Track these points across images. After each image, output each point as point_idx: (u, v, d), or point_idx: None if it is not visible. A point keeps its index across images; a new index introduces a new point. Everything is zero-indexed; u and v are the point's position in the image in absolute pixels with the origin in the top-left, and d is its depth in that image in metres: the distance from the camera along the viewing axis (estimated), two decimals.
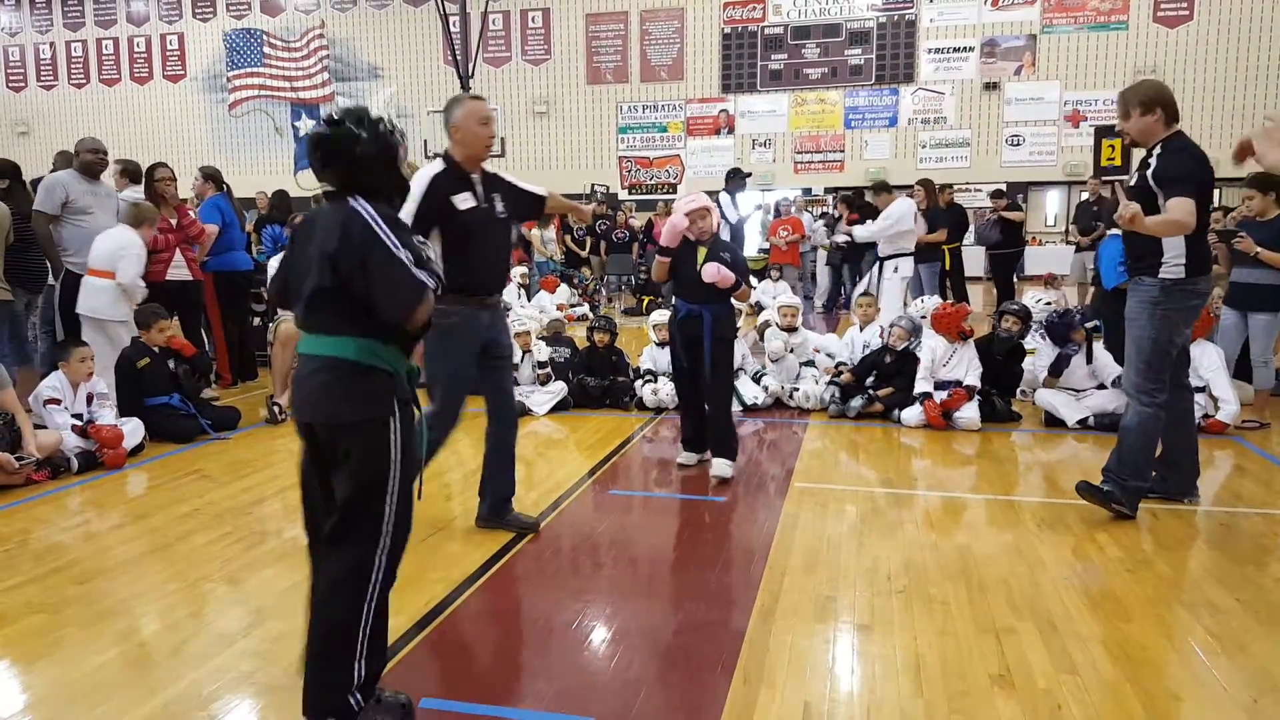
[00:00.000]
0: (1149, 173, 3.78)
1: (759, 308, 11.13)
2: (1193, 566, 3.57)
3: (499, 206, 3.80)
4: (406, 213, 3.55)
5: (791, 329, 7.03)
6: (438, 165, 3.73)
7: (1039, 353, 6.39)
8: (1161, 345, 3.88)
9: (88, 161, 6.05)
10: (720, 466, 4.77)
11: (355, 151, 2.33)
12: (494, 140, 3.81)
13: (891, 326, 6.46)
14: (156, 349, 5.88)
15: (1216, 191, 6.59)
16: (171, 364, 5.94)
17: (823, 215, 13.53)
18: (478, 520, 4.04)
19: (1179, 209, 3.64)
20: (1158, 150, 3.82)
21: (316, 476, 2.43)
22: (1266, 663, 2.79)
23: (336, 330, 2.32)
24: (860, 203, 13.14)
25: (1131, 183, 3.91)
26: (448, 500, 4.55)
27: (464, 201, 3.65)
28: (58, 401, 5.23)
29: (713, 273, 4.57)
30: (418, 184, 3.61)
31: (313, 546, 2.46)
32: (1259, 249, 5.63)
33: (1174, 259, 3.81)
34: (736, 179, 10.03)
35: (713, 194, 14.77)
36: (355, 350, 2.31)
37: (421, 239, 2.43)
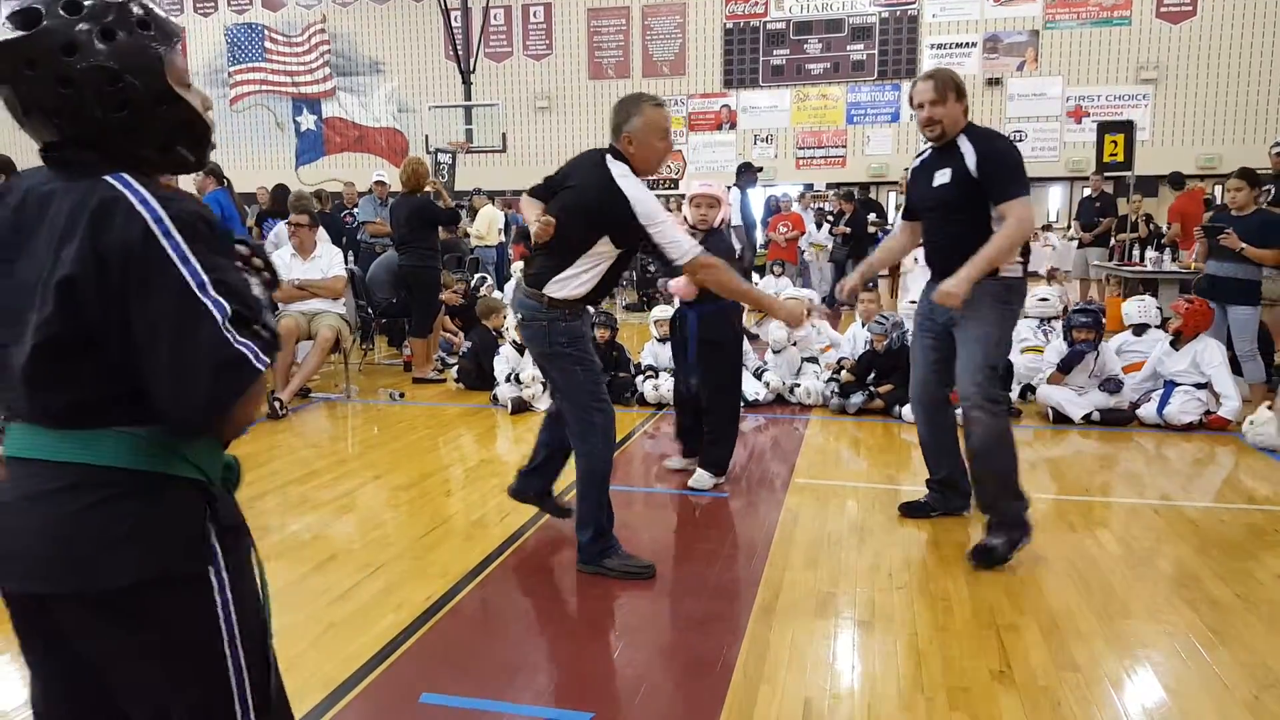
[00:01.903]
0: (971, 164, 3.38)
1: None
2: (1193, 563, 3.57)
3: None
4: (672, 218, 3.30)
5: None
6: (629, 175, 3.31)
7: (1048, 349, 6.38)
8: (1004, 347, 3.62)
9: None
10: (698, 477, 4.52)
11: (62, 76, 1.21)
12: (669, 154, 3.52)
13: (869, 329, 6.48)
14: None
15: (1218, 188, 6.58)
16: None
17: (818, 211, 13.49)
18: (515, 494, 3.93)
19: (1023, 210, 3.34)
20: (965, 139, 3.43)
21: (64, 693, 1.39)
22: (1267, 658, 2.79)
23: (85, 418, 1.24)
24: (863, 198, 13.14)
25: (941, 182, 3.48)
26: (448, 496, 4.56)
27: None
28: None
29: (676, 286, 4.35)
30: (646, 189, 3.32)
31: None
32: (1244, 245, 5.64)
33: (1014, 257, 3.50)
34: (747, 173, 9.99)
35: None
36: (127, 450, 1.25)
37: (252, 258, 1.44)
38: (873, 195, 16.34)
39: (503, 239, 13.79)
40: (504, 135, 17.18)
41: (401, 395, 7.00)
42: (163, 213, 1.20)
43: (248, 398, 1.23)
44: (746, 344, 6.98)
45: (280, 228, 8.17)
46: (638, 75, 19.05)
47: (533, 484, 3.92)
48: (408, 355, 8.02)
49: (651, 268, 13.20)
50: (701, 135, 18.99)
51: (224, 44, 20.63)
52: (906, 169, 3.84)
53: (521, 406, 6.38)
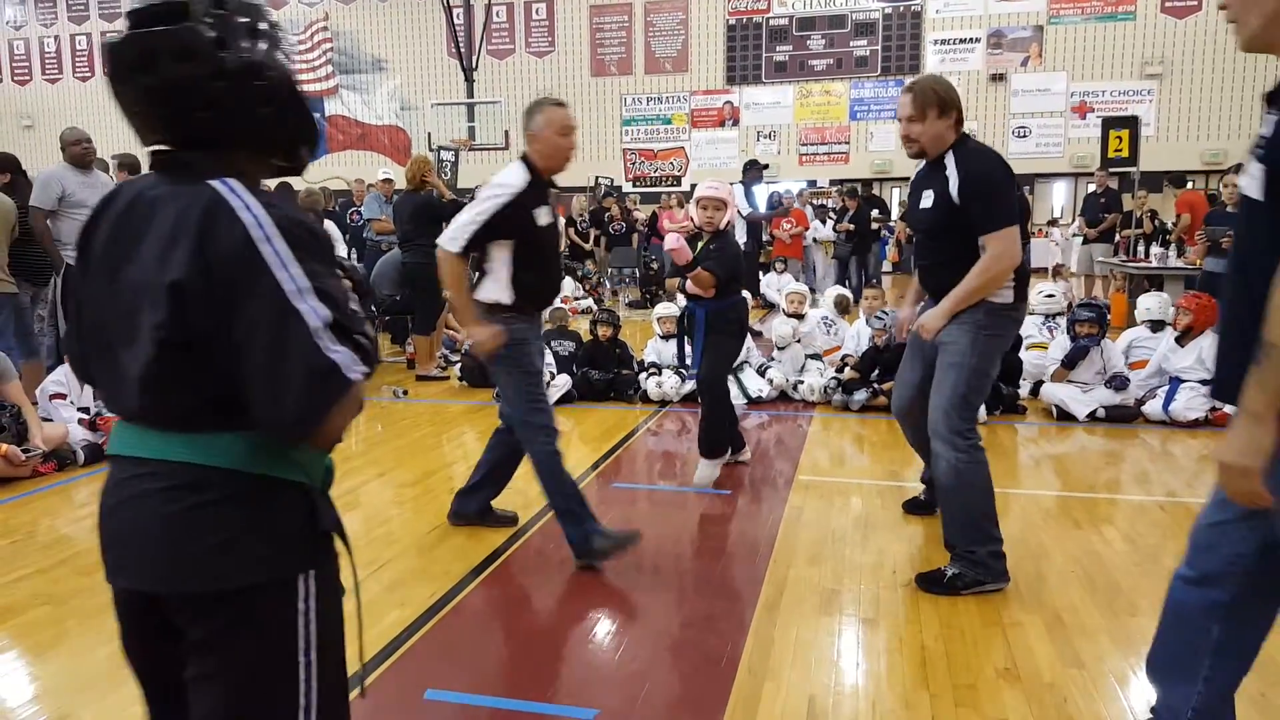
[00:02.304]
0: (953, 189, 3.11)
1: (765, 302, 11.13)
2: None
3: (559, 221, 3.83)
4: (470, 219, 3.36)
5: (799, 316, 7.03)
6: (524, 172, 3.47)
7: (1052, 345, 6.37)
8: (982, 376, 3.22)
9: (76, 154, 5.95)
10: (700, 470, 4.50)
11: (213, 65, 1.21)
12: (572, 153, 3.61)
13: (870, 325, 6.48)
14: None
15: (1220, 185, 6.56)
16: None
17: (820, 208, 13.48)
18: (454, 518, 3.99)
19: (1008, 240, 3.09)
20: (952, 159, 3.16)
21: (159, 674, 1.38)
22: (1274, 655, 2.78)
23: (197, 420, 1.25)
24: (865, 194, 13.12)
25: (926, 204, 3.25)
26: (452, 493, 4.55)
27: (544, 217, 3.47)
28: (63, 396, 5.24)
29: (671, 241, 4.32)
30: (503, 188, 3.38)
31: None
32: None
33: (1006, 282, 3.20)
34: (753, 170, 9.97)
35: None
36: (237, 452, 1.25)
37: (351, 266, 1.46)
38: (876, 192, 16.31)
39: None
40: (506, 133, 17.18)
41: (405, 392, 7.01)
42: (265, 218, 1.19)
43: (340, 408, 1.21)
44: (750, 341, 6.99)
45: None
46: (640, 72, 19.04)
47: (469, 503, 3.97)
48: (411, 352, 8.03)
49: (654, 265, 13.21)
50: (704, 132, 18.97)
51: None
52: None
53: None
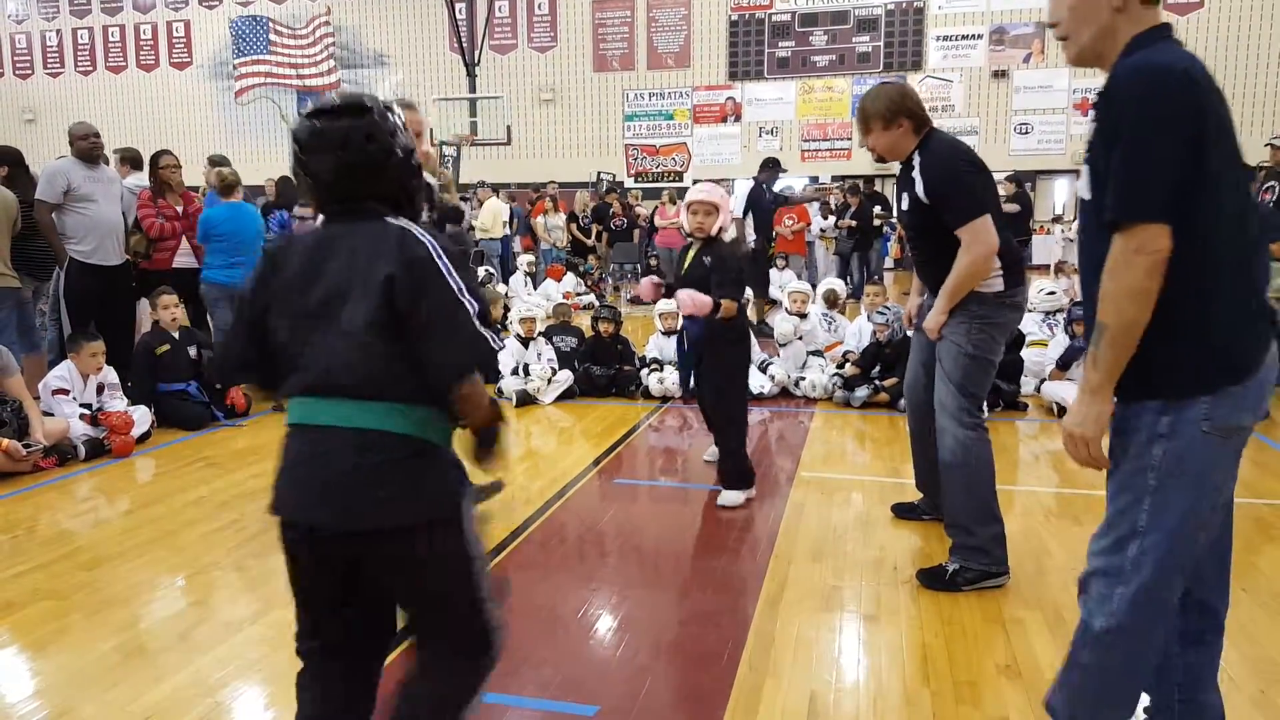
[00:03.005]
0: (919, 190, 3.18)
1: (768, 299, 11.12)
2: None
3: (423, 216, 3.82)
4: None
5: (802, 314, 7.02)
6: None
7: (1051, 344, 6.36)
8: (979, 364, 3.24)
9: (84, 148, 5.96)
10: (726, 496, 4.25)
11: (387, 146, 1.75)
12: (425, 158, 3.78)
13: (871, 321, 6.47)
14: (176, 334, 5.89)
15: None
16: (194, 351, 5.94)
17: (823, 205, 13.46)
18: None
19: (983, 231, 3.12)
20: (917, 159, 3.22)
21: (325, 595, 1.85)
22: (1273, 652, 2.78)
23: (387, 392, 1.69)
24: (868, 190, 13.10)
25: (905, 206, 3.32)
26: None
27: None
28: (66, 392, 5.25)
29: (684, 300, 3.99)
30: None
31: (324, 663, 1.93)
32: None
33: (991, 270, 3.20)
34: (771, 169, 9.90)
35: (721, 182, 14.72)
36: (413, 422, 1.71)
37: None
38: (878, 188, 16.29)
39: (507, 231, 13.78)
40: (509, 128, 17.16)
41: None
42: (435, 244, 1.72)
43: (483, 368, 1.77)
44: (753, 338, 6.98)
45: (290, 219, 8.18)
46: (642, 67, 19.00)
47: None
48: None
49: (653, 261, 13.20)
50: (706, 128, 18.94)
51: (228, 36, 20.62)
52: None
53: (526, 400, 6.38)
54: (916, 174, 3.20)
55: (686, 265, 4.21)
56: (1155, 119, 1.61)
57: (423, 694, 1.83)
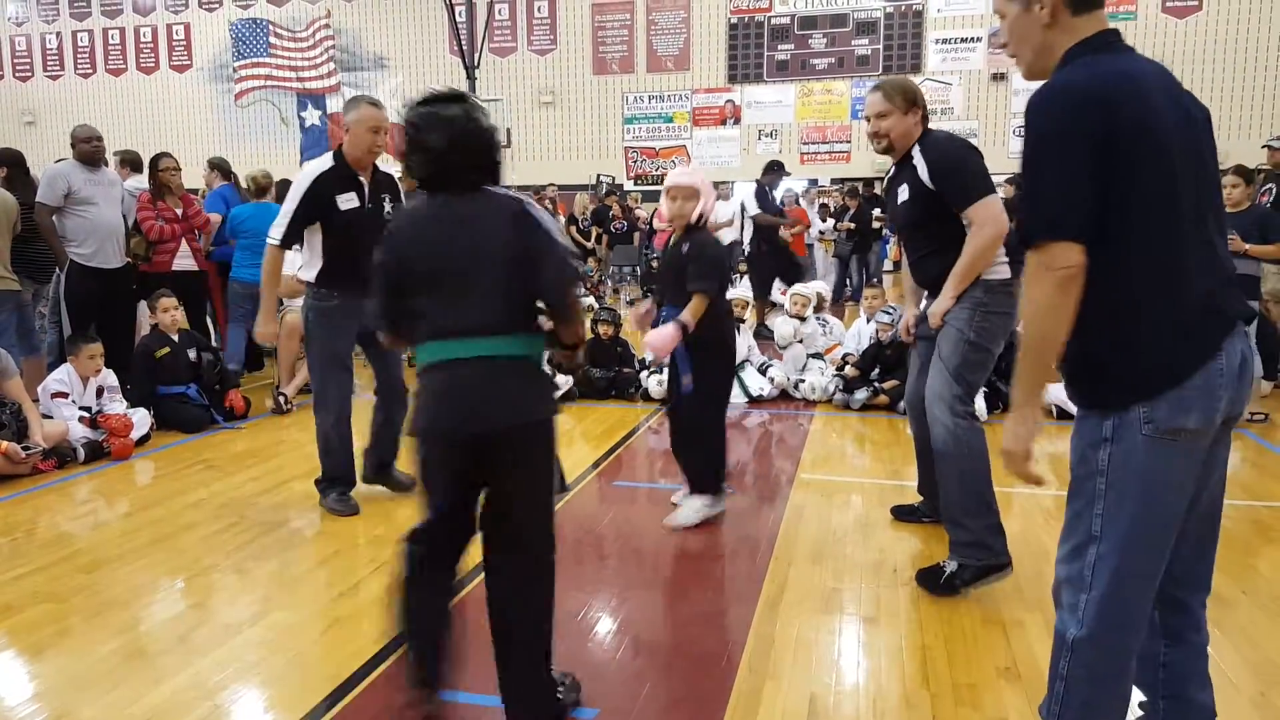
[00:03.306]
0: (924, 176, 3.18)
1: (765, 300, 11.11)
2: None
3: (387, 209, 4.06)
4: (286, 208, 3.93)
5: (801, 318, 7.02)
6: (326, 162, 3.99)
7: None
8: (979, 353, 3.20)
9: (86, 152, 5.97)
10: (684, 511, 3.92)
11: (486, 124, 2.24)
12: (380, 148, 3.99)
13: (875, 320, 6.47)
14: (175, 337, 5.89)
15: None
16: (193, 353, 5.94)
17: (822, 207, 13.47)
18: (364, 478, 4.36)
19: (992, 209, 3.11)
20: (918, 151, 3.24)
21: (466, 492, 2.31)
22: (1273, 654, 2.78)
23: (510, 327, 2.22)
24: (867, 193, 13.11)
25: (904, 197, 3.29)
26: None
27: (347, 201, 3.94)
28: (65, 395, 5.24)
29: (653, 344, 3.70)
30: (300, 182, 3.94)
31: (439, 562, 2.41)
32: (1247, 246, 5.61)
33: (997, 258, 3.18)
34: (775, 172, 9.95)
35: (720, 184, 14.74)
36: (535, 348, 2.30)
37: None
38: (878, 191, 16.31)
39: None
40: (508, 130, 17.17)
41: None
42: (546, 215, 2.25)
43: (580, 308, 2.36)
44: (753, 340, 6.99)
45: None
46: (642, 70, 19.02)
47: (370, 461, 4.36)
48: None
49: (655, 262, 13.19)
50: (706, 130, 18.96)
51: (229, 39, 20.62)
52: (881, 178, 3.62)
53: None
54: (919, 161, 3.20)
55: (664, 257, 4.00)
56: (1054, 137, 1.67)
57: (529, 590, 2.34)
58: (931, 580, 3.23)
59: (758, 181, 10.03)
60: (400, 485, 4.45)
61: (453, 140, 2.18)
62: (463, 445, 2.20)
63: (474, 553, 3.65)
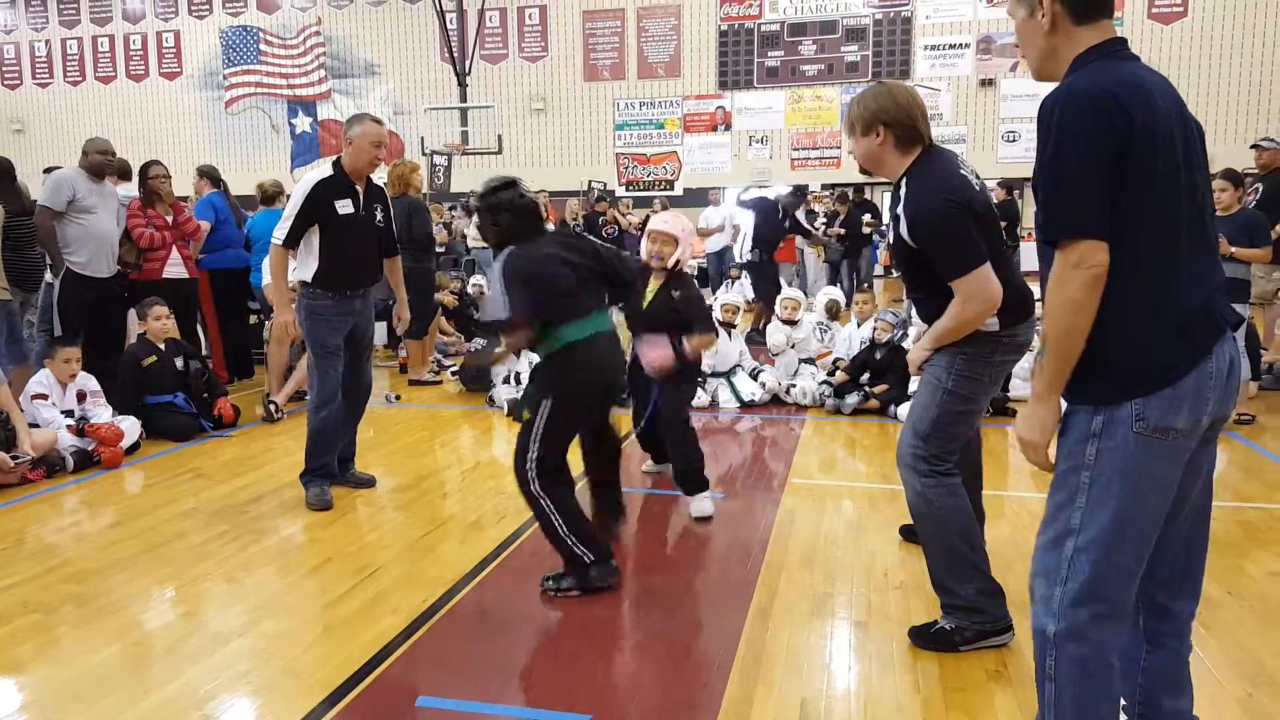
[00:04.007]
0: (903, 229, 2.75)
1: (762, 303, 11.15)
2: None
3: (378, 216, 4.51)
4: (289, 211, 4.25)
5: (792, 322, 7.04)
6: (325, 171, 4.33)
7: (1037, 351, 6.39)
8: (958, 403, 2.84)
9: (96, 162, 6.06)
10: (698, 504, 4.17)
11: (513, 205, 3.34)
12: (379, 161, 4.38)
13: (876, 320, 6.49)
14: (163, 346, 5.87)
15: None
16: (180, 362, 5.92)
17: (810, 213, 13.50)
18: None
19: (978, 281, 2.67)
20: (904, 193, 2.77)
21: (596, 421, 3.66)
22: (1260, 655, 2.80)
23: (608, 301, 3.52)
24: (857, 199, 13.16)
25: (891, 237, 2.89)
26: (444, 499, 4.55)
27: (344, 206, 4.28)
28: (44, 397, 5.23)
29: (655, 362, 3.85)
30: (302, 187, 4.23)
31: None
32: (1233, 250, 5.66)
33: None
34: (797, 197, 10.76)
35: (714, 189, 14.74)
36: (612, 321, 3.47)
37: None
38: (868, 196, 16.38)
39: None
40: (500, 137, 17.18)
41: (398, 398, 7.00)
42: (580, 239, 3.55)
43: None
44: (744, 345, 7.01)
45: None
46: (633, 77, 19.05)
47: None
48: (403, 357, 8.01)
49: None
50: (696, 137, 18.99)
51: (219, 46, 20.59)
52: None
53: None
54: (900, 208, 2.74)
55: (650, 301, 4.18)
56: (1078, 136, 1.69)
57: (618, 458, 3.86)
58: (926, 639, 2.90)
59: (778, 199, 10.56)
60: (361, 483, 4.68)
61: (495, 216, 3.39)
62: (608, 393, 3.52)
63: (462, 563, 3.65)
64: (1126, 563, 1.79)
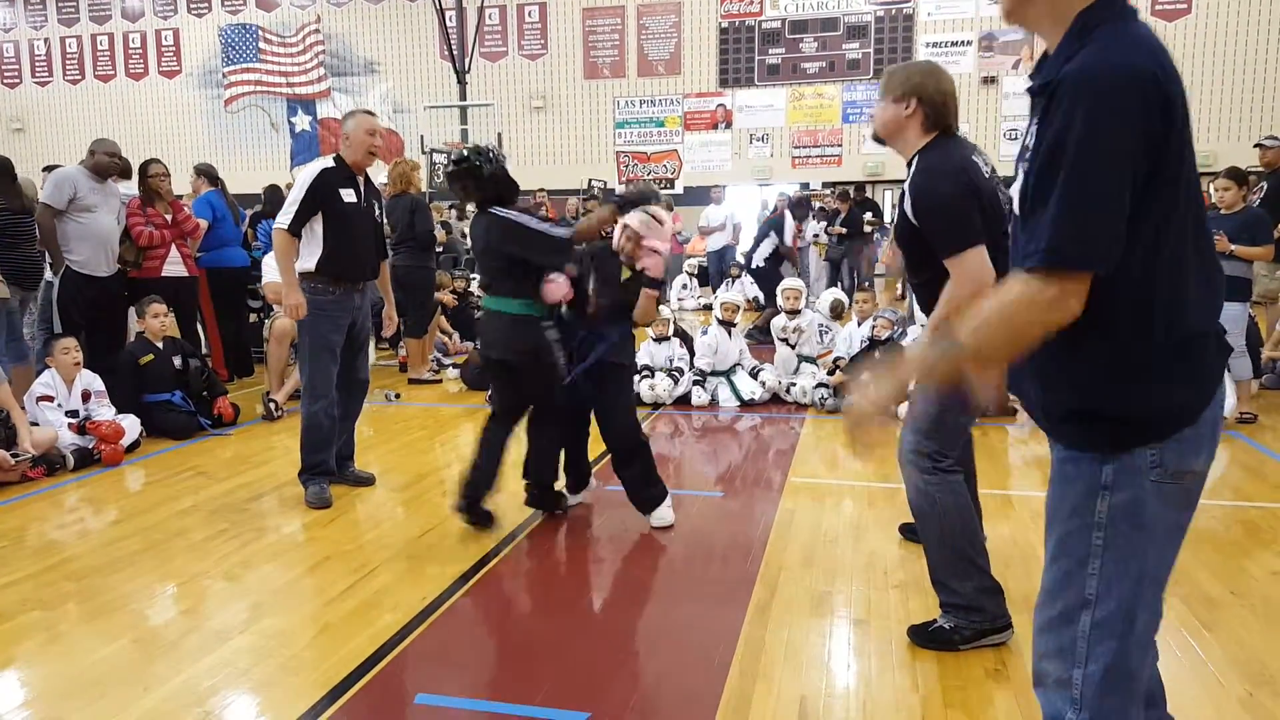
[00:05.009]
0: (908, 205, 2.73)
1: (758, 303, 11.15)
2: (1186, 559, 3.58)
3: (377, 211, 4.64)
4: (293, 198, 4.28)
5: (794, 312, 7.03)
6: (328, 162, 4.42)
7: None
8: (960, 395, 2.67)
9: (102, 163, 6.09)
10: (658, 516, 4.03)
11: (489, 173, 3.77)
12: (377, 149, 4.48)
13: (876, 318, 6.49)
14: (160, 344, 5.87)
15: (1211, 186, 6.54)
16: (178, 360, 5.93)
17: (814, 210, 13.50)
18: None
19: (971, 264, 2.64)
20: (912, 170, 2.77)
21: (504, 392, 3.99)
22: (1261, 655, 2.80)
23: (513, 292, 3.77)
24: (858, 197, 13.15)
25: (898, 213, 2.88)
26: (443, 497, 4.55)
27: (348, 195, 4.37)
28: (50, 399, 5.22)
29: (551, 289, 3.84)
30: (307, 175, 4.29)
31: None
32: (1233, 247, 5.65)
33: None
34: (803, 207, 11.16)
35: (713, 188, 14.72)
36: (527, 307, 3.77)
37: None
38: (869, 194, 16.36)
39: None
40: (499, 135, 17.17)
41: (397, 396, 7.00)
42: (519, 217, 3.77)
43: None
44: (744, 344, 7.01)
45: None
46: (633, 75, 19.04)
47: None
48: (403, 356, 8.02)
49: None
50: (697, 134, 18.99)
51: (218, 44, 20.59)
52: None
53: None
54: (909, 183, 2.77)
55: (625, 281, 4.01)
56: (1109, 133, 1.33)
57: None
58: (925, 638, 2.90)
59: (789, 208, 11.15)
60: (360, 481, 4.68)
61: (465, 184, 3.87)
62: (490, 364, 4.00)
63: (461, 560, 3.65)
64: (1149, 625, 1.55)
